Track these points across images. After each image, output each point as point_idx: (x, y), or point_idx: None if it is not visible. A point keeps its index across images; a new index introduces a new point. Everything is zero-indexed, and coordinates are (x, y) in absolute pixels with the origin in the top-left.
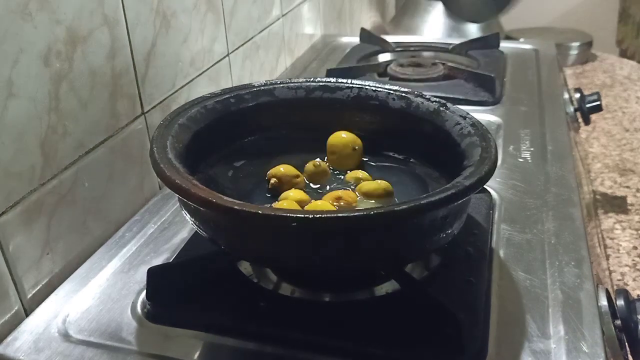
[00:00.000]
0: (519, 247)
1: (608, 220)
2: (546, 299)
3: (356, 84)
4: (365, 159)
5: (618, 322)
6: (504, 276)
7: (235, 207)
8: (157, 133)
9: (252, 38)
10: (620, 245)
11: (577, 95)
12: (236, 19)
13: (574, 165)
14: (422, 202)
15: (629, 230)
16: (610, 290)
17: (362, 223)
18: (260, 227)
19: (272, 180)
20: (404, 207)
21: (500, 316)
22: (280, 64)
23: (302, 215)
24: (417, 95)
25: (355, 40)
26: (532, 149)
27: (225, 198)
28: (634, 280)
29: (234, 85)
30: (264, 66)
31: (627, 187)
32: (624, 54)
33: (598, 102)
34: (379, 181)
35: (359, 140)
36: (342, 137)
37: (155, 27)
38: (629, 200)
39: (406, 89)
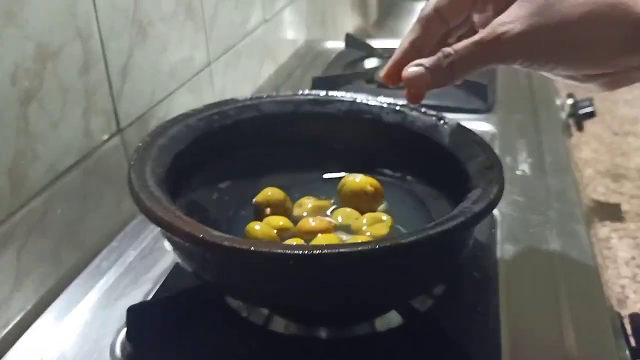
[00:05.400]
0: (525, 270)
1: (603, 229)
2: (559, 328)
3: (348, 97)
4: None
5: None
6: (513, 303)
7: (225, 243)
8: (136, 157)
9: (234, 45)
10: (618, 255)
11: (570, 100)
12: (217, 26)
13: (574, 178)
14: (430, 232)
15: (626, 239)
16: (614, 302)
17: (366, 259)
18: (252, 265)
19: (267, 211)
20: (412, 239)
21: (512, 348)
22: (264, 72)
23: (301, 253)
24: (412, 109)
25: (340, 45)
26: (529, 160)
27: (214, 232)
28: (635, 292)
29: (215, 95)
30: (247, 74)
31: (621, 193)
32: None
33: (591, 109)
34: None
35: (370, 187)
36: (355, 182)
37: (131, 38)
38: (624, 207)
39: (401, 102)
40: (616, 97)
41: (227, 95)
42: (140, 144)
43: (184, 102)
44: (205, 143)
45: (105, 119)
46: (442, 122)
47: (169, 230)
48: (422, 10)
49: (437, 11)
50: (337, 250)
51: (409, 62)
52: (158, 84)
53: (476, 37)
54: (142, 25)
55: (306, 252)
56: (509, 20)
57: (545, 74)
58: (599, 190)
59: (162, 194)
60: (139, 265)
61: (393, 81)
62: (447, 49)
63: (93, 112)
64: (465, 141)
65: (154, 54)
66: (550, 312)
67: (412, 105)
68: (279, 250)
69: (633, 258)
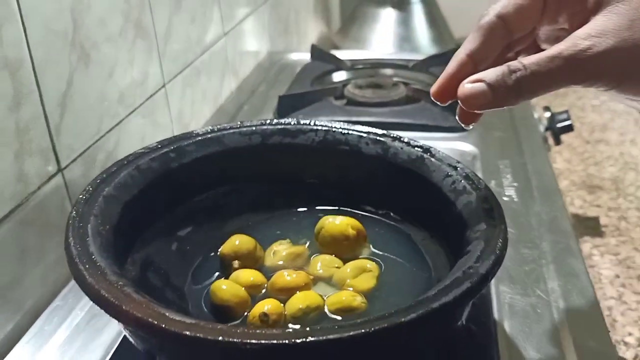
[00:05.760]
0: (525, 317)
1: (585, 245)
2: None
3: (321, 126)
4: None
5: None
6: (516, 359)
7: (186, 332)
8: (75, 214)
9: (191, 63)
10: (602, 274)
11: (547, 114)
12: (171, 43)
13: (564, 204)
14: (433, 305)
15: (608, 255)
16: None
17: (359, 343)
18: (221, 357)
19: (235, 264)
20: (412, 316)
21: None
22: (225, 89)
23: (283, 342)
24: (394, 139)
25: (304, 56)
26: (515, 184)
27: (171, 316)
28: (622, 315)
29: (172, 119)
30: (207, 93)
31: (598, 205)
32: None
33: (569, 122)
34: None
35: (352, 230)
36: (334, 225)
37: (71, 64)
38: (602, 221)
39: (381, 131)
40: (584, 102)
41: (186, 118)
42: (80, 196)
43: (137, 130)
44: (160, 187)
45: (42, 158)
46: (428, 154)
47: (116, 316)
48: (482, 16)
49: (501, 18)
50: (324, 338)
51: (465, 76)
52: (105, 113)
53: (552, 51)
54: (84, 49)
55: (288, 341)
56: (595, 34)
57: (615, 96)
58: (576, 203)
59: (108, 262)
60: (88, 327)
61: (444, 98)
62: (515, 63)
63: (27, 153)
64: (455, 176)
65: (99, 79)
66: None
67: (393, 135)
68: (254, 341)
69: (617, 276)
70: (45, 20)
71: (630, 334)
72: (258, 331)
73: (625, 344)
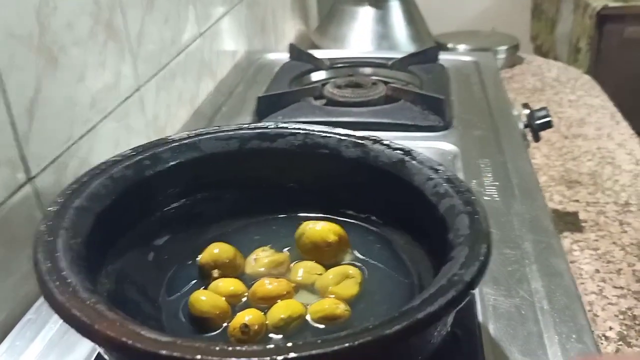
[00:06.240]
0: (509, 319)
1: (565, 241)
2: None
3: (300, 129)
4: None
5: None
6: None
7: (162, 352)
8: (44, 228)
9: (166, 65)
10: (582, 269)
11: (526, 111)
12: (145, 44)
13: (545, 203)
14: (419, 316)
15: (588, 250)
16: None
17: (344, 358)
18: None
19: (215, 273)
20: (397, 327)
21: None
22: (202, 91)
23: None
24: (375, 142)
25: (282, 56)
26: (496, 183)
27: (146, 335)
28: (603, 309)
29: (147, 123)
30: (183, 95)
31: (577, 200)
32: (538, 50)
33: (548, 119)
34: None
35: (334, 235)
36: (315, 231)
37: (37, 69)
38: (581, 216)
39: (361, 134)
40: (561, 97)
41: (161, 122)
42: (50, 209)
43: (110, 136)
44: (134, 196)
45: (10, 168)
46: (409, 157)
47: (88, 336)
48: None
49: None
50: (307, 353)
51: None
52: (76, 118)
53: None
54: (52, 53)
55: (270, 358)
56: None
57: None
58: (555, 198)
59: (80, 278)
60: (62, 341)
61: None
62: None
63: None
64: (437, 179)
65: (69, 84)
66: None
67: (372, 137)
68: (234, 359)
69: (597, 271)
70: (7, 24)
71: (611, 329)
72: (238, 348)
73: (607, 338)
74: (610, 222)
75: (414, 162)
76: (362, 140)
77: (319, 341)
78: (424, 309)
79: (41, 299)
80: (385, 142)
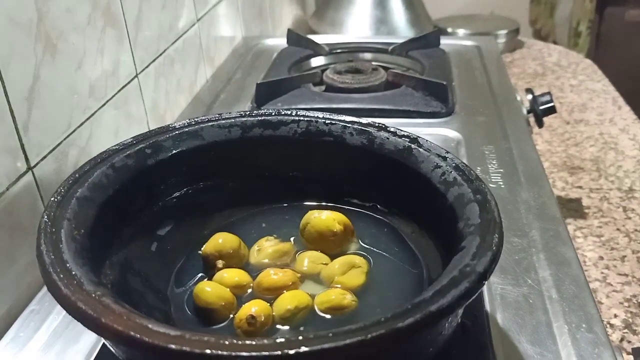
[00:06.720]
0: (517, 308)
1: (568, 228)
2: None
3: (303, 117)
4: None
5: None
6: (510, 352)
7: (171, 346)
8: (47, 219)
9: (164, 51)
10: (586, 256)
11: (529, 96)
12: (143, 30)
13: (551, 190)
14: (431, 309)
15: (591, 237)
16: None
17: (355, 351)
18: None
19: (219, 264)
20: (410, 320)
21: None
22: (200, 77)
23: (274, 354)
24: (380, 129)
25: (280, 42)
26: (501, 170)
27: (154, 328)
28: (607, 297)
29: (147, 109)
30: (182, 82)
31: (580, 187)
32: (537, 34)
33: (551, 104)
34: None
35: (339, 225)
36: (320, 221)
37: (37, 56)
38: (584, 202)
39: (365, 121)
40: (562, 82)
41: (160, 109)
42: (52, 199)
43: (110, 123)
44: (137, 185)
45: (10, 158)
46: (416, 144)
47: (95, 330)
48: None
49: None
50: (319, 347)
51: None
52: (76, 106)
53: None
54: (51, 40)
55: (281, 352)
56: None
57: None
58: (558, 185)
59: (84, 270)
60: (66, 331)
61: None
62: None
63: None
64: (445, 167)
65: (68, 71)
66: (551, 355)
67: (378, 124)
68: (244, 353)
69: (601, 258)
70: (7, 10)
71: (615, 316)
72: (247, 342)
73: (611, 326)
74: (614, 209)
75: (420, 149)
76: (366, 127)
77: (330, 334)
78: (437, 301)
79: (44, 289)
80: (390, 129)
